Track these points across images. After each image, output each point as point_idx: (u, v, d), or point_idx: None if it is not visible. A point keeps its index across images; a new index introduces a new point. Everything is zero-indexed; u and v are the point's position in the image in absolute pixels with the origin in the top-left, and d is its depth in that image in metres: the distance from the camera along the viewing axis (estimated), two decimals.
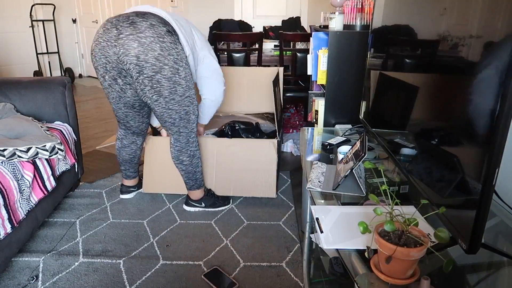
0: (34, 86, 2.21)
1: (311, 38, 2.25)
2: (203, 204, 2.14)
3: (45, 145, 1.80)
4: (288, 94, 3.29)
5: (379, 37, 1.62)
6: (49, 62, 5.69)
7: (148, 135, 2.40)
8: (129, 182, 2.32)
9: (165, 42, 1.69)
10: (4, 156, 1.66)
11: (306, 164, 1.63)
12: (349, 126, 2.01)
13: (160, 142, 2.33)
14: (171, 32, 1.72)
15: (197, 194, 2.13)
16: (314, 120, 2.23)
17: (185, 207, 2.18)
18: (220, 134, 2.47)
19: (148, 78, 1.72)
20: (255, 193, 2.26)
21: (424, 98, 1.20)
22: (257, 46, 3.28)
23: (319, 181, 1.43)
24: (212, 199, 2.16)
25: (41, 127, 1.95)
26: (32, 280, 1.62)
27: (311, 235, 1.80)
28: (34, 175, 1.78)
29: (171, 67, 1.72)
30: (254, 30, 4.17)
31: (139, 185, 2.36)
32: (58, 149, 1.86)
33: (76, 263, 1.73)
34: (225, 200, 2.21)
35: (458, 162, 0.96)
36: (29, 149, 1.74)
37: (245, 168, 2.25)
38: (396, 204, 0.92)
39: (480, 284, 0.97)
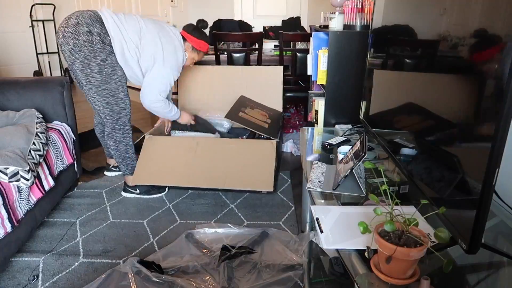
0: (33, 86, 2.21)
1: (311, 38, 2.24)
2: (138, 191, 2.31)
3: (7, 168, 1.63)
4: (288, 94, 3.29)
5: (379, 37, 1.62)
6: (49, 62, 5.69)
7: (147, 134, 2.41)
8: (110, 161, 2.62)
9: (79, 40, 1.95)
10: None
11: (306, 164, 1.63)
12: (349, 126, 2.01)
13: (156, 141, 2.34)
14: (92, 33, 1.96)
15: (131, 179, 2.29)
16: (314, 120, 2.23)
17: (123, 193, 2.35)
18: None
19: (70, 65, 2.03)
20: (252, 186, 2.24)
21: (424, 98, 1.19)
22: (257, 46, 3.28)
23: (319, 181, 1.43)
24: (146, 186, 2.30)
25: (34, 144, 1.83)
26: (32, 280, 1.62)
27: (311, 235, 1.80)
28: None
29: (81, 62, 1.98)
30: (254, 30, 4.17)
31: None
32: (22, 176, 1.67)
33: (76, 263, 1.73)
34: (159, 188, 2.35)
35: (458, 162, 0.96)
36: None
37: (243, 163, 2.26)
38: (396, 204, 0.92)
39: (480, 284, 0.97)
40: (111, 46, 2.01)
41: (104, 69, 2.01)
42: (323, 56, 2.03)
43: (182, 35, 2.24)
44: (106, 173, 2.64)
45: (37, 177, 1.82)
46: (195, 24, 2.30)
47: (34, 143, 1.83)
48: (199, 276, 1.60)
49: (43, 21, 5.49)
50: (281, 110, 2.86)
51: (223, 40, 3.40)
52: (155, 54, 2.10)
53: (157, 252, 1.79)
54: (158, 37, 2.11)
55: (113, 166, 2.63)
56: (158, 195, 2.33)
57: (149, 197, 2.31)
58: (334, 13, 2.06)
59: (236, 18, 4.35)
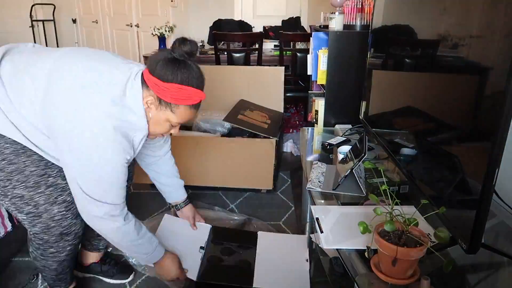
0: None
1: (311, 38, 2.24)
2: None
3: None
4: (288, 94, 3.29)
5: (379, 37, 1.62)
6: None
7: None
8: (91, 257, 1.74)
9: None
10: None
11: (306, 164, 1.63)
12: (349, 126, 2.01)
13: None
14: None
15: None
16: (314, 120, 2.23)
17: None
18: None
19: None
20: (251, 185, 2.25)
21: (424, 98, 1.20)
22: (257, 46, 3.28)
23: (319, 181, 1.43)
24: None
25: None
26: (32, 279, 1.62)
27: (311, 235, 1.80)
28: None
29: None
30: (254, 30, 4.17)
31: None
32: None
33: None
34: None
35: (458, 162, 0.96)
36: None
37: (243, 162, 2.27)
38: (396, 204, 0.92)
39: (480, 284, 0.97)
40: None
41: None
42: (323, 56, 2.03)
43: (143, 79, 1.12)
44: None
45: None
46: (171, 49, 1.09)
47: None
48: None
49: (43, 21, 5.49)
50: (282, 110, 2.86)
51: (223, 40, 3.40)
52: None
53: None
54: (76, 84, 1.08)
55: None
56: None
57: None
58: (334, 13, 2.06)
59: (236, 18, 4.35)
